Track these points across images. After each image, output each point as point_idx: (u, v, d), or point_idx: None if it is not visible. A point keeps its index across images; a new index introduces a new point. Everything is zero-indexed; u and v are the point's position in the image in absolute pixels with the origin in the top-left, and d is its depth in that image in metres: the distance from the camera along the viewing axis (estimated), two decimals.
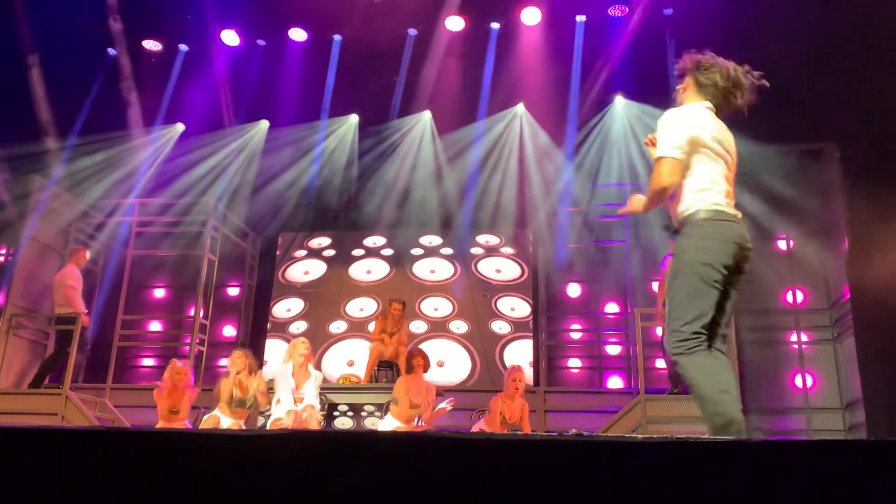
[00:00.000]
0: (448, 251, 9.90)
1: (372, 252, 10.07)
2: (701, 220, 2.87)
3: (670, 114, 2.97)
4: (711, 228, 2.86)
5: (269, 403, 6.35)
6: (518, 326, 9.28)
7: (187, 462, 1.79)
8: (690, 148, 2.89)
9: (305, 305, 9.75)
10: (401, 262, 9.85)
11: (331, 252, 10.16)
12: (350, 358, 9.21)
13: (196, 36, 8.65)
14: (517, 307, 9.38)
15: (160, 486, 1.77)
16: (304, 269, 10.02)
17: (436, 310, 9.45)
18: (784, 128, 7.11)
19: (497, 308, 9.38)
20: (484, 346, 9.13)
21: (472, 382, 9.00)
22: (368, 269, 9.90)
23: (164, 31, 8.74)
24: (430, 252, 9.96)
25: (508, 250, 9.79)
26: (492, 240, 9.96)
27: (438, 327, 9.34)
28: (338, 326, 9.45)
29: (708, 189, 2.89)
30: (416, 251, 9.93)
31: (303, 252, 10.14)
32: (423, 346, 8.39)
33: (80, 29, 8.27)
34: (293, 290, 9.91)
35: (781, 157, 7.43)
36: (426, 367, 6.53)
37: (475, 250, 9.85)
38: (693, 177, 2.91)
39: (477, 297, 9.36)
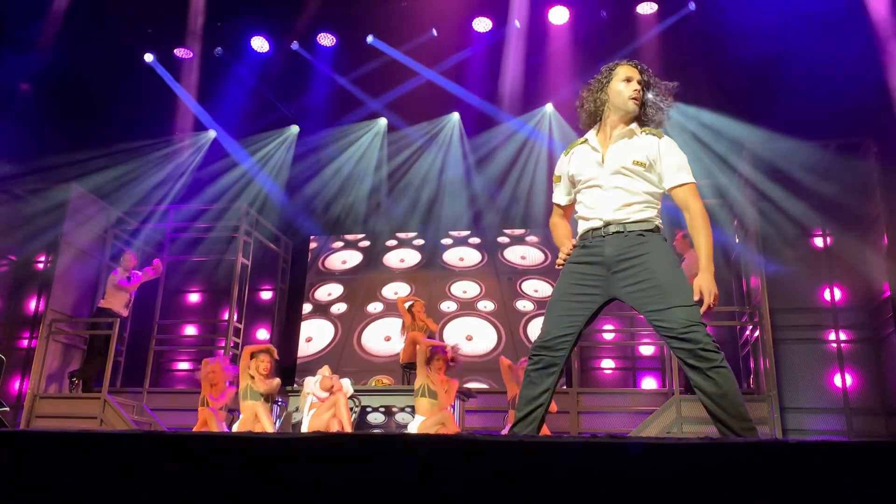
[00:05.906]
0: (476, 240, 10.31)
1: (404, 243, 10.57)
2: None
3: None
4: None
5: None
6: (541, 305, 9.63)
7: (224, 465, 1.80)
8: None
9: (344, 290, 10.28)
10: (431, 253, 10.34)
11: (366, 242, 10.69)
12: (387, 334, 9.71)
13: (226, 43, 8.77)
14: (540, 289, 9.77)
15: (196, 489, 1.78)
16: (342, 259, 10.57)
17: (465, 292, 9.97)
18: (820, 122, 6.96)
19: (521, 289, 9.80)
20: (510, 323, 9.59)
21: (498, 353, 9.30)
22: (402, 258, 10.44)
23: (195, 39, 8.87)
24: (459, 242, 10.37)
25: (533, 238, 10.12)
26: (518, 230, 10.28)
27: (467, 306, 9.86)
28: (374, 307, 10.05)
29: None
30: (446, 241, 10.35)
31: (340, 243, 10.69)
32: (453, 323, 9.61)
33: (115, 36, 8.43)
34: (332, 276, 10.42)
35: (818, 151, 7.28)
36: (446, 366, 6.41)
37: (502, 239, 10.22)
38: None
39: (503, 281, 9.87)
